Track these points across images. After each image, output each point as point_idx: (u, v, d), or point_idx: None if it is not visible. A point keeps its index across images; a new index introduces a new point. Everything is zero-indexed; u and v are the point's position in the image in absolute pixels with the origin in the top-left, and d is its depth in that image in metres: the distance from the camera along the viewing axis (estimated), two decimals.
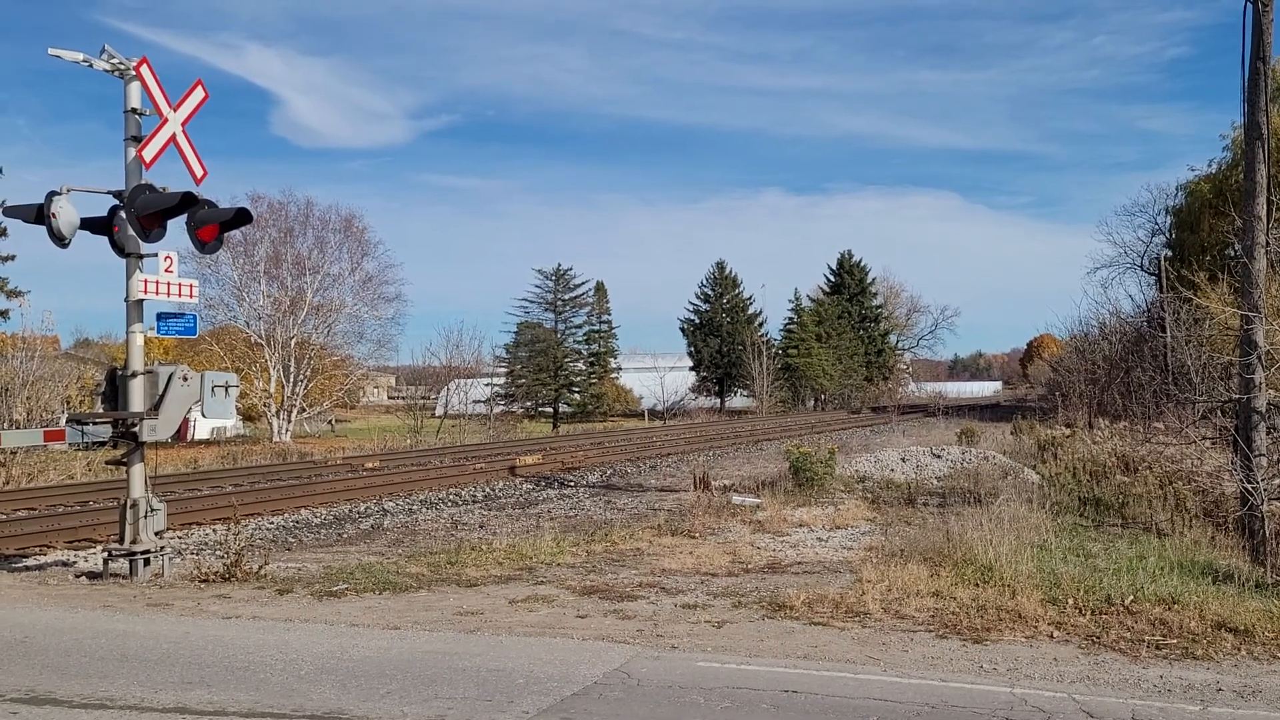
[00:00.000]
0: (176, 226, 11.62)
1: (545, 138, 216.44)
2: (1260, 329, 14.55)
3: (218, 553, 12.73)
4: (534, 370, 70.17)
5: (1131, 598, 9.23)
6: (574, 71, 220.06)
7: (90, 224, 11.44)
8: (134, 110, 11.50)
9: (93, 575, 11.89)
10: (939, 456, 23.72)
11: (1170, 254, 48.30)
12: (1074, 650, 7.96)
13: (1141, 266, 55.74)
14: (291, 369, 47.44)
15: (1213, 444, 20.46)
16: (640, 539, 14.05)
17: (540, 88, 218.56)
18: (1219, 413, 19.01)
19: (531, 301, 75.09)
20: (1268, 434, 14.87)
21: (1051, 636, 8.36)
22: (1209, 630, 8.33)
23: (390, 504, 20.03)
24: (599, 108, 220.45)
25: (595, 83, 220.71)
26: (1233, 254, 27.52)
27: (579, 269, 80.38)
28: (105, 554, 11.82)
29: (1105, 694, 6.79)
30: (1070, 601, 9.21)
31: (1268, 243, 14.92)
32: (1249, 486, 13.81)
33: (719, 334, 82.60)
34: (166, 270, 11.52)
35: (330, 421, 58.69)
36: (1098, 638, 8.27)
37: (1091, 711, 6.36)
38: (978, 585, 9.90)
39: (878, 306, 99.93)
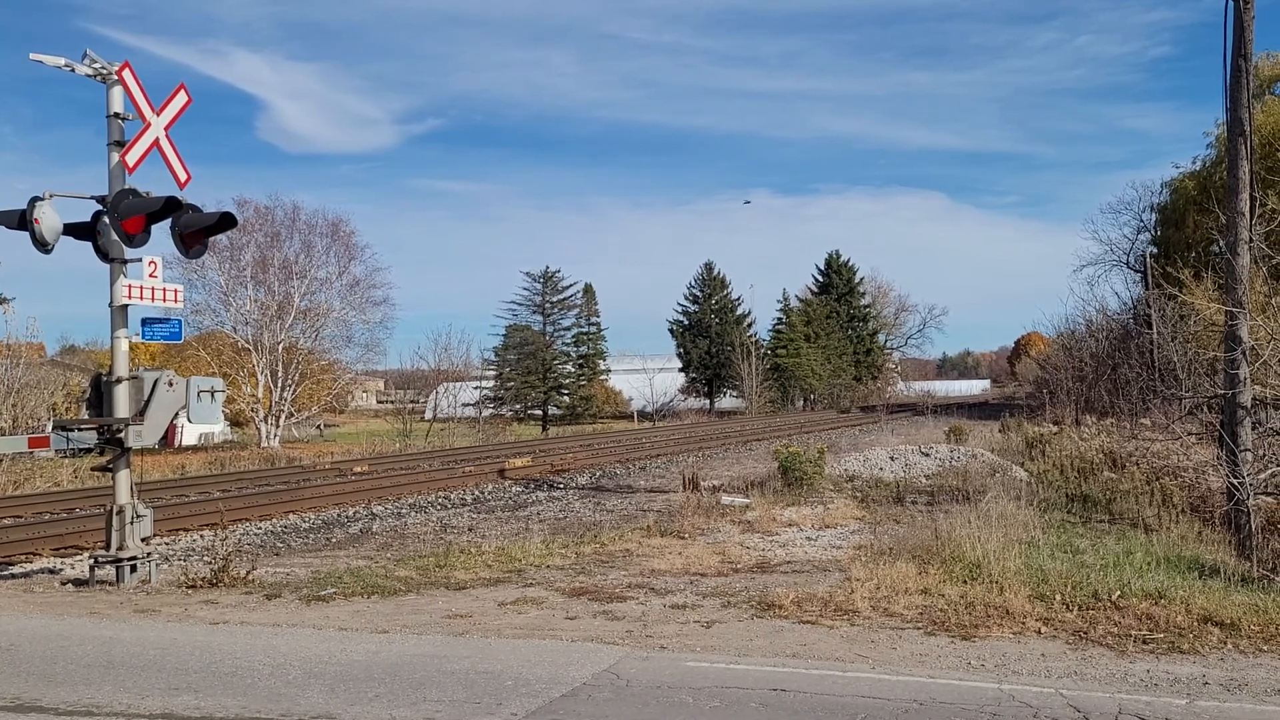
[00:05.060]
0: (161, 232, 11.60)
1: (536, 141, 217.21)
2: (1244, 325, 14.63)
3: (205, 558, 12.68)
4: (523, 373, 70.02)
5: (1118, 593, 9.26)
6: (565, 75, 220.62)
7: (74, 229, 11.40)
8: (117, 115, 11.46)
9: (79, 582, 11.83)
10: (927, 455, 23.79)
11: (1156, 251, 48.54)
12: (1061, 646, 7.99)
13: (1127, 264, 56.00)
14: (279, 374, 47.21)
15: (1199, 439, 20.55)
16: (629, 540, 14.05)
17: (531, 92, 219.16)
18: (1205, 408, 19.10)
19: (520, 304, 74.95)
20: (1253, 429, 14.94)
21: (1039, 632, 8.39)
22: (1195, 624, 8.37)
23: (379, 508, 19.97)
24: (590, 111, 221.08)
25: (586, 86, 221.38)
26: (1217, 250, 27.67)
27: (569, 272, 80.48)
28: (91, 561, 11.75)
29: (1092, 689, 6.81)
30: (1058, 598, 9.24)
31: (1251, 239, 15.00)
32: (1235, 481, 13.87)
33: (708, 335, 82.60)
34: (151, 275, 11.48)
35: (319, 426, 58.44)
36: (1085, 633, 8.30)
37: (1079, 706, 6.38)
38: (966, 582, 9.93)
39: (866, 306, 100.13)
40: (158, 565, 11.94)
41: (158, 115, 11.56)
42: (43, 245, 10.99)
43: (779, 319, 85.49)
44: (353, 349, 53.46)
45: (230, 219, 11.87)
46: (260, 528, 17.36)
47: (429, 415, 59.16)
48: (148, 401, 11.30)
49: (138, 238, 11.35)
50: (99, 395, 11.53)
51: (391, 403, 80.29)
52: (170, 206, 11.15)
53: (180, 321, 12.10)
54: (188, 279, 44.86)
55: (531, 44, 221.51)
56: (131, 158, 11.36)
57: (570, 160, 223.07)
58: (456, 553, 13.03)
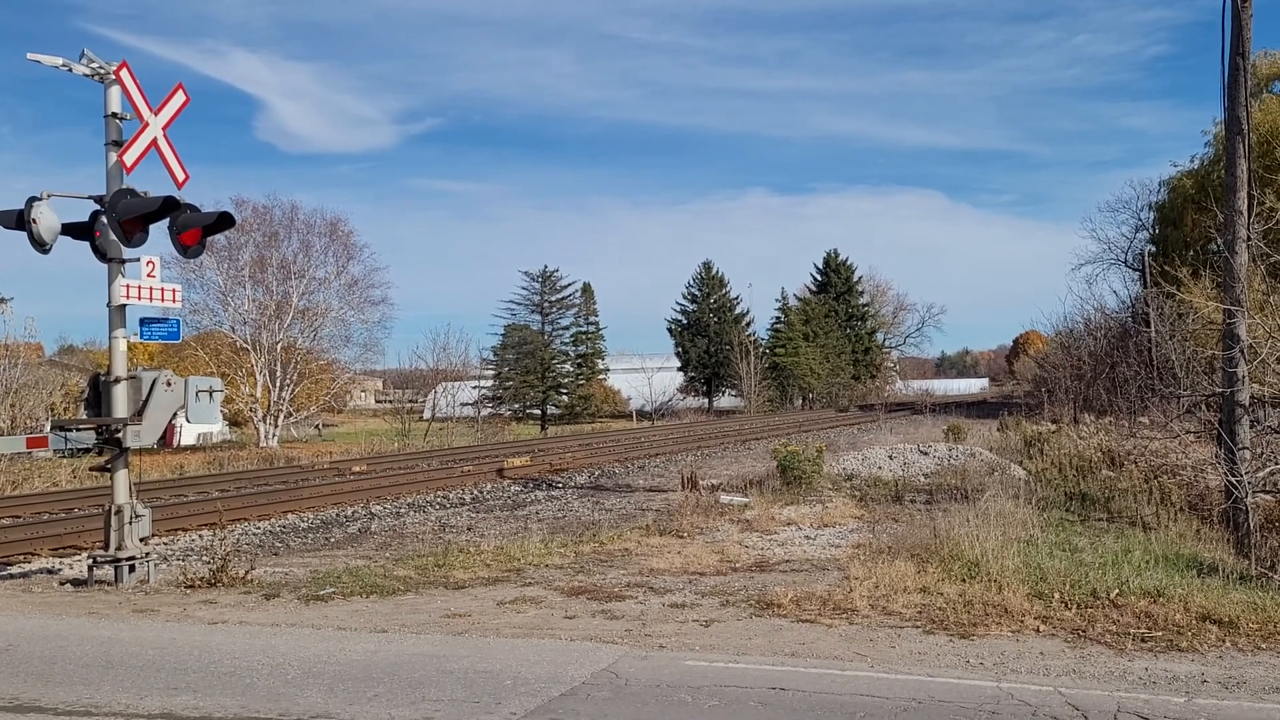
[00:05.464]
0: (159, 231, 11.60)
1: (535, 141, 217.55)
2: (1242, 323, 14.64)
3: (204, 558, 12.68)
4: (521, 372, 70.02)
5: (1117, 591, 9.27)
6: (564, 75, 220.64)
7: (71, 229, 11.38)
8: (114, 115, 11.44)
9: (78, 582, 11.82)
10: (926, 454, 23.79)
11: (1154, 249, 48.55)
12: (1060, 644, 7.99)
13: (1125, 262, 56.06)
14: (278, 374, 47.16)
15: (1197, 438, 20.56)
16: (628, 539, 14.05)
17: (530, 92, 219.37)
18: (1203, 406, 19.10)
19: (518, 304, 74.97)
20: (1251, 427, 14.95)
21: (1038, 631, 8.39)
22: (1194, 622, 8.37)
23: (377, 508, 19.96)
24: (589, 111, 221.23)
25: (585, 86, 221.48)
26: (1215, 249, 27.65)
27: (568, 271, 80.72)
28: (90, 561, 11.75)
29: (1091, 687, 6.82)
30: (1056, 596, 9.25)
31: (1249, 237, 15.00)
32: (1233, 479, 13.87)
33: (706, 334, 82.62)
34: (149, 275, 11.47)
35: (317, 426, 58.42)
36: (1083, 631, 8.30)
37: (1077, 704, 6.38)
38: (964, 581, 9.93)
39: (864, 305, 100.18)
40: (156, 565, 11.93)
41: (155, 115, 11.55)
42: (40, 245, 10.97)
43: (777, 318, 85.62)
44: (351, 349, 53.49)
45: (228, 218, 11.86)
46: (259, 528, 17.35)
47: (427, 415, 59.09)
48: (146, 401, 11.30)
49: (135, 238, 11.34)
50: (97, 395, 11.52)
51: (390, 402, 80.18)
52: (168, 206, 11.14)
53: (178, 321, 12.08)
54: (186, 279, 44.86)
55: (530, 44, 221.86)
56: (129, 157, 11.35)
57: (569, 160, 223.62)
58: (455, 552, 13.02)
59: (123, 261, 11.39)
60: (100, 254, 11.43)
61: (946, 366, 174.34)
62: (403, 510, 19.64)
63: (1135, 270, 51.92)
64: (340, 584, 11.04)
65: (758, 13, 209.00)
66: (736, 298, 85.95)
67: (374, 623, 9.21)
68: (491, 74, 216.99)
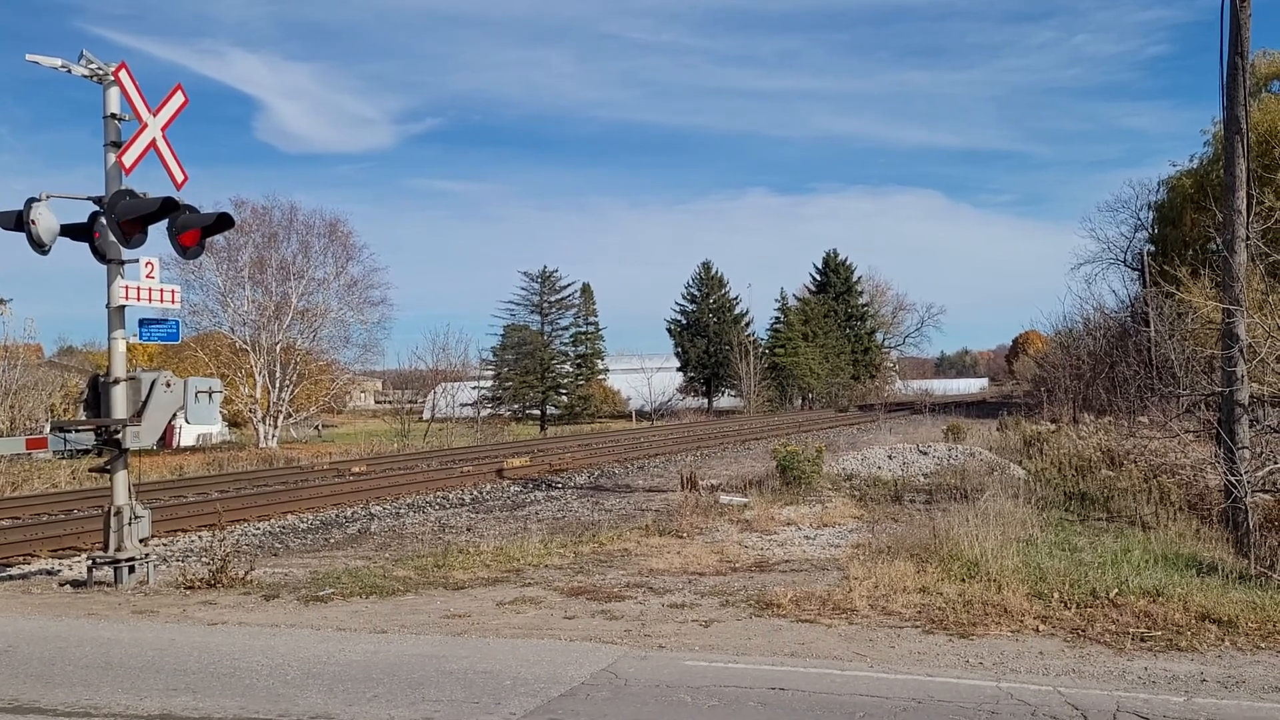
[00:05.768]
0: (158, 232, 11.60)
1: (535, 141, 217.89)
2: (1241, 322, 14.63)
3: (203, 559, 12.67)
4: (521, 373, 70.03)
5: (1116, 591, 9.27)
6: (563, 75, 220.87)
7: (70, 230, 11.38)
8: (113, 115, 11.44)
9: (77, 583, 11.82)
10: (925, 453, 23.80)
11: (1153, 249, 48.57)
12: (1059, 644, 7.99)
13: (1125, 262, 56.14)
14: (277, 374, 47.15)
15: (1196, 437, 20.56)
16: (628, 539, 14.05)
17: (530, 91, 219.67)
18: (1202, 406, 19.09)
19: (518, 304, 74.96)
20: (1250, 426, 14.95)
21: (1037, 630, 8.39)
22: (1193, 622, 8.37)
23: (377, 508, 19.96)
24: (589, 111, 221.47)
25: (585, 86, 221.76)
26: (1214, 248, 27.68)
27: (568, 271, 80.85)
28: (89, 562, 11.75)
29: (1090, 686, 6.82)
30: (1056, 596, 9.25)
31: (1248, 236, 14.99)
32: (1232, 479, 13.87)
33: (706, 334, 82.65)
34: (148, 276, 11.46)
35: (316, 426, 58.40)
36: (1083, 631, 8.30)
37: (1076, 704, 6.38)
38: (964, 581, 9.93)
39: (864, 305, 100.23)
40: (156, 566, 11.93)
41: (154, 116, 11.55)
42: (40, 246, 10.97)
43: (777, 318, 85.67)
44: (350, 349, 53.42)
45: (227, 219, 11.85)
46: (258, 528, 17.35)
47: (427, 415, 59.13)
48: (145, 402, 11.30)
49: (135, 239, 11.34)
50: (96, 396, 11.52)
51: (389, 403, 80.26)
52: (167, 207, 11.14)
53: (178, 322, 12.07)
54: (185, 280, 44.86)
55: (530, 44, 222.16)
56: (128, 158, 11.34)
57: (569, 160, 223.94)
58: (455, 553, 13.03)
59: (122, 263, 11.39)
60: (99, 255, 11.43)
61: (946, 366, 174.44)
62: (402, 511, 19.64)
63: (1135, 270, 51.98)
64: (340, 585, 11.04)
65: (758, 13, 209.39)
66: (736, 298, 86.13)
67: (373, 623, 9.21)
68: (491, 74, 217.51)
